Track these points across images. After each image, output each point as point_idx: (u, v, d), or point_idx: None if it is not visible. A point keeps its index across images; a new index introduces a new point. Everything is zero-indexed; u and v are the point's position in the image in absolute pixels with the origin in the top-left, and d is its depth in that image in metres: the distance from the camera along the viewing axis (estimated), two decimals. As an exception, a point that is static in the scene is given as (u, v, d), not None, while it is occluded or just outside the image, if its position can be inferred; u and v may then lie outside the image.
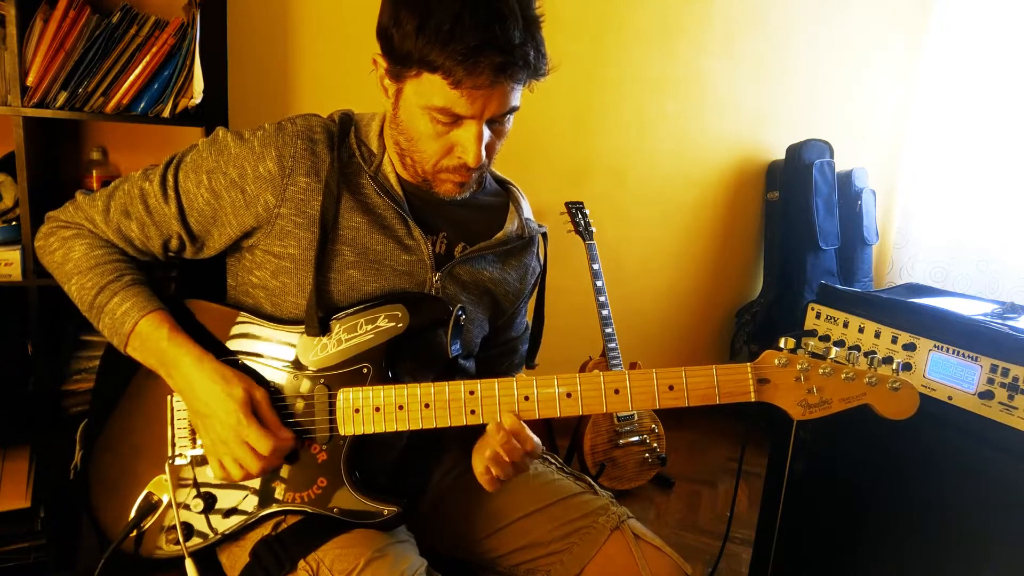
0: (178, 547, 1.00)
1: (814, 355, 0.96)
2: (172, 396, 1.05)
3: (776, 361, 0.96)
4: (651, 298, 3.06)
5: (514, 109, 0.98)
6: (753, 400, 0.96)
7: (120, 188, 1.07)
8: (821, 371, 0.95)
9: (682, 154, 2.93)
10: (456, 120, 0.95)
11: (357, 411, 0.99)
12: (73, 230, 1.08)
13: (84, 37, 1.66)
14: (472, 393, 0.98)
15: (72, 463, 1.23)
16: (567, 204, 2.45)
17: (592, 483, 1.20)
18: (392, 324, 1.01)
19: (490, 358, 1.27)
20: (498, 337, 1.25)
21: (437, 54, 0.89)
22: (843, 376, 0.94)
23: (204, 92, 1.69)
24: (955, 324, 1.34)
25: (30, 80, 1.64)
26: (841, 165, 2.98)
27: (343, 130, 1.07)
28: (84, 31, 1.66)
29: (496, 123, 0.98)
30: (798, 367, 0.95)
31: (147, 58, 1.70)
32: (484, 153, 0.98)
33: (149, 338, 1.00)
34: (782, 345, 0.95)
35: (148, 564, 1.03)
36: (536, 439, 1.01)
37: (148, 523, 1.02)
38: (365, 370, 1.01)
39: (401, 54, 0.93)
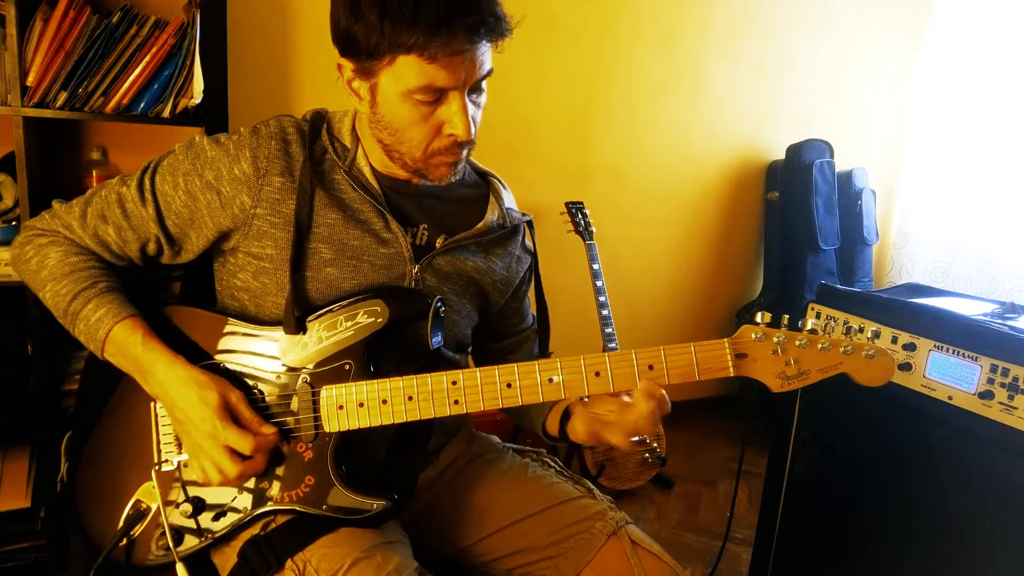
0: (169, 553, 0.99)
1: (790, 328, 0.97)
2: (156, 403, 1.04)
3: (753, 335, 0.96)
4: (651, 298, 3.06)
5: (490, 72, 0.98)
6: (732, 375, 0.97)
7: (97, 194, 1.07)
8: (798, 343, 0.95)
9: (682, 154, 2.93)
10: (439, 97, 0.96)
11: (341, 407, 0.99)
12: (49, 237, 1.07)
13: (84, 37, 1.66)
14: (455, 383, 0.98)
15: (59, 475, 1.20)
16: (567, 204, 2.45)
17: (592, 487, 1.19)
18: (371, 319, 1.00)
19: (506, 348, 1.26)
20: (505, 327, 1.25)
21: (407, 34, 0.89)
22: (819, 347, 0.95)
23: (204, 92, 1.69)
24: (955, 324, 1.33)
25: (30, 80, 1.64)
26: (841, 165, 2.98)
27: (315, 128, 1.08)
28: (84, 31, 1.66)
29: (474, 92, 0.99)
30: (775, 340, 0.95)
31: (147, 58, 1.70)
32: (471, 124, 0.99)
33: (123, 344, 1.00)
34: (759, 319, 0.96)
35: (140, 572, 1.02)
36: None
37: (138, 531, 1.01)
38: (347, 366, 1.00)
39: (369, 48, 0.93)
